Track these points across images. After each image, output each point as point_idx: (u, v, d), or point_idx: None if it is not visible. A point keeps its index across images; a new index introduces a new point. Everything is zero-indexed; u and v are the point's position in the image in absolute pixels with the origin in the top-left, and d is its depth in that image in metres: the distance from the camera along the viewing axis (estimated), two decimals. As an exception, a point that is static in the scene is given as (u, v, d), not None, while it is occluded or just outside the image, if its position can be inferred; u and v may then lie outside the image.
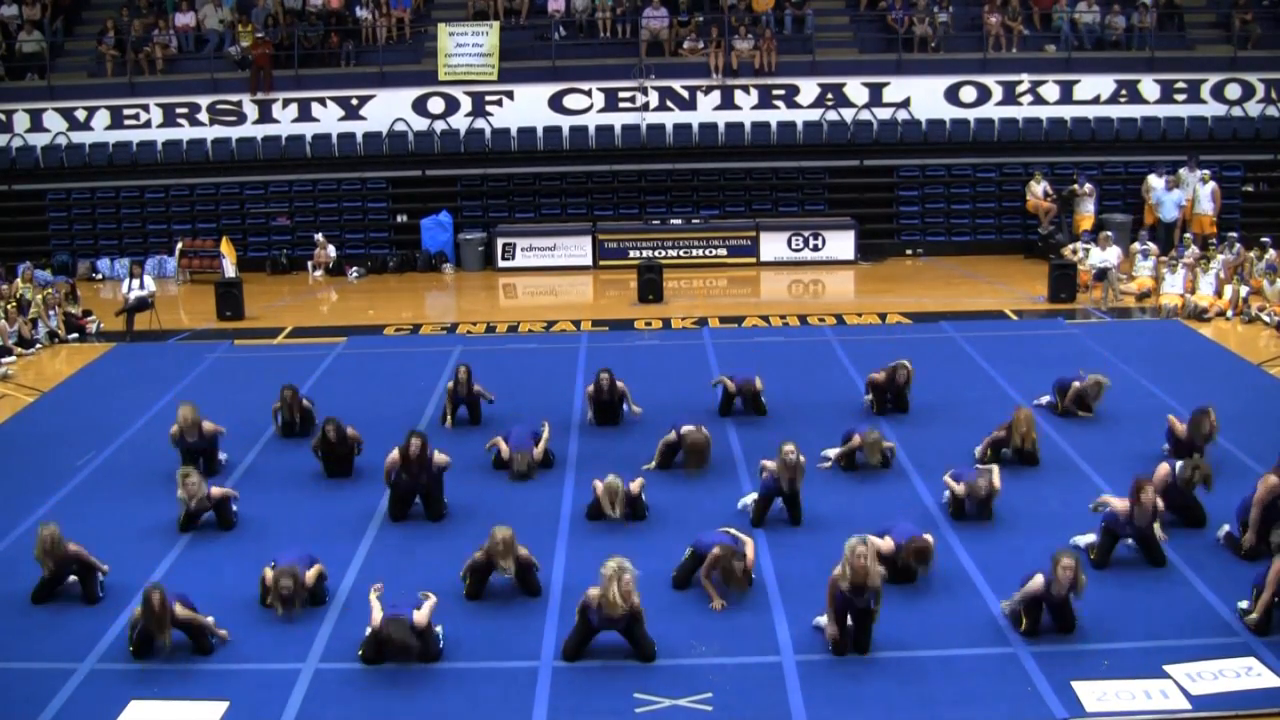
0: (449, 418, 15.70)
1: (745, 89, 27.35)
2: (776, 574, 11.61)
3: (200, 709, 9.55)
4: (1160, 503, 11.54)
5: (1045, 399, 16.04)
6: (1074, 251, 23.70)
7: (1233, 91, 27.11)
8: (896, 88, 27.20)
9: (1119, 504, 11.42)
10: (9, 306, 20.77)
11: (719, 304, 23.05)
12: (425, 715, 9.49)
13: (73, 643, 10.53)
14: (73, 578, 11.34)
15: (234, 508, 12.93)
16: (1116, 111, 27.16)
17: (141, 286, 21.97)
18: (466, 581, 11.18)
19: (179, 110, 27.41)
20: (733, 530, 11.49)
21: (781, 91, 27.34)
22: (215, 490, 12.78)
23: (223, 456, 14.53)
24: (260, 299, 23.59)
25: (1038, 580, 10.18)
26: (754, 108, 27.33)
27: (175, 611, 10.14)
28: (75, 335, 21.50)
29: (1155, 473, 12.12)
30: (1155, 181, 25.49)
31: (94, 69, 28.04)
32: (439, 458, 12.92)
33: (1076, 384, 15.57)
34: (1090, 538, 11.74)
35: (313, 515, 13.05)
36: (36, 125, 27.49)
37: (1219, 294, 21.56)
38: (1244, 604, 10.51)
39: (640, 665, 10.02)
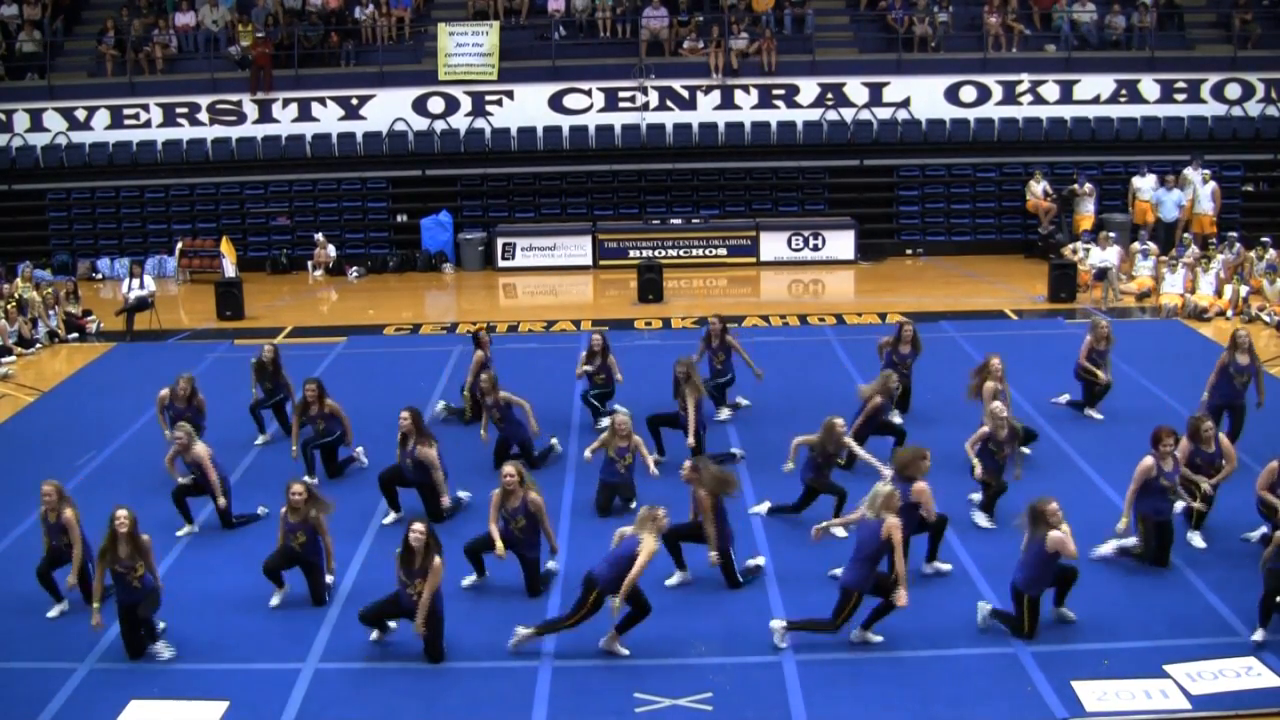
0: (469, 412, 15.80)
1: (745, 89, 27.35)
2: (777, 574, 11.61)
3: (200, 709, 9.56)
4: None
5: (1065, 398, 16.08)
6: (1074, 251, 23.70)
7: (1233, 91, 27.11)
8: (896, 87, 27.21)
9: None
10: (9, 306, 20.77)
11: (719, 304, 23.01)
12: (425, 715, 9.49)
13: (73, 643, 10.53)
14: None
15: (222, 502, 12.84)
16: (1116, 111, 27.17)
17: (141, 286, 21.98)
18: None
19: (179, 110, 27.42)
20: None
21: (781, 91, 27.34)
22: (201, 449, 12.79)
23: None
24: (260, 299, 23.59)
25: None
26: (754, 107, 27.34)
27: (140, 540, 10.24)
28: (75, 335, 21.50)
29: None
30: (1140, 182, 25.53)
31: (94, 69, 28.04)
32: (424, 451, 12.78)
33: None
34: (1110, 547, 11.73)
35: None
36: (36, 125, 27.50)
37: (1219, 294, 21.56)
38: (1259, 636, 10.22)
39: (640, 665, 10.02)
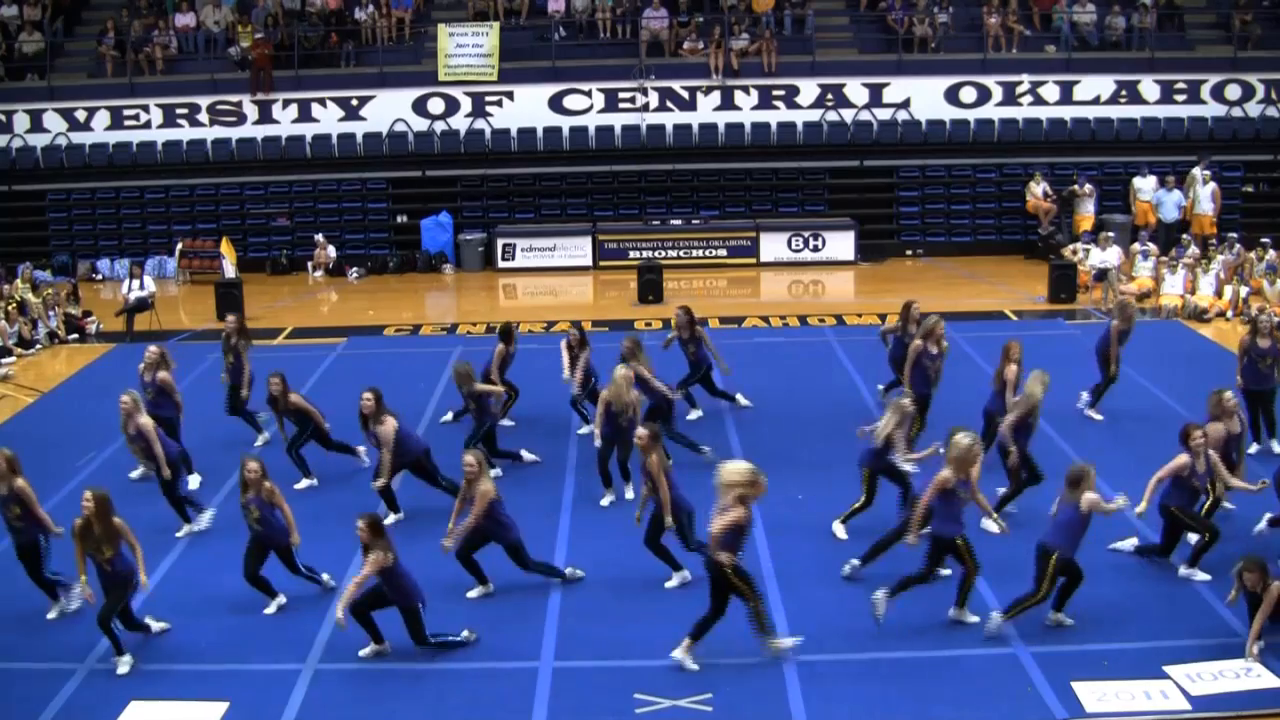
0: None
1: (745, 89, 27.35)
2: (777, 575, 11.61)
3: (200, 709, 9.55)
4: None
5: (1085, 397, 16.05)
6: (1074, 252, 23.71)
7: (1233, 92, 27.11)
8: (896, 88, 27.20)
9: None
10: (9, 307, 20.77)
11: (719, 304, 23.03)
12: (425, 715, 9.49)
13: (73, 643, 10.54)
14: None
15: (166, 472, 12.79)
16: (1116, 112, 27.17)
17: (141, 287, 21.98)
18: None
19: (179, 111, 27.42)
20: None
21: (781, 92, 27.34)
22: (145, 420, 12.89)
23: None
24: (260, 299, 23.58)
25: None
26: (754, 108, 27.34)
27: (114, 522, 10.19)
28: (75, 336, 21.50)
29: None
30: (1141, 183, 25.56)
31: (94, 69, 28.05)
32: (379, 429, 12.77)
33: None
34: (1130, 544, 11.76)
35: (313, 515, 13.01)
36: (36, 126, 27.50)
37: (1219, 294, 21.57)
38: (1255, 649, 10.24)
39: (640, 665, 10.02)
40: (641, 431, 11.44)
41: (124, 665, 10.13)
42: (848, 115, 27.19)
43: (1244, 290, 21.45)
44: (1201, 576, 11.30)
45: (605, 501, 13.44)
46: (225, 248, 24.23)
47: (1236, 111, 27.11)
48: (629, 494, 13.42)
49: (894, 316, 20.94)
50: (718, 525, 9.73)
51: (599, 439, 13.35)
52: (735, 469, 9.86)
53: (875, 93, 27.23)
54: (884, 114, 27.17)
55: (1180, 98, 27.16)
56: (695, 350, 15.90)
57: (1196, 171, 25.19)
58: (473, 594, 11.34)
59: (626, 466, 13.45)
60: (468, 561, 11.26)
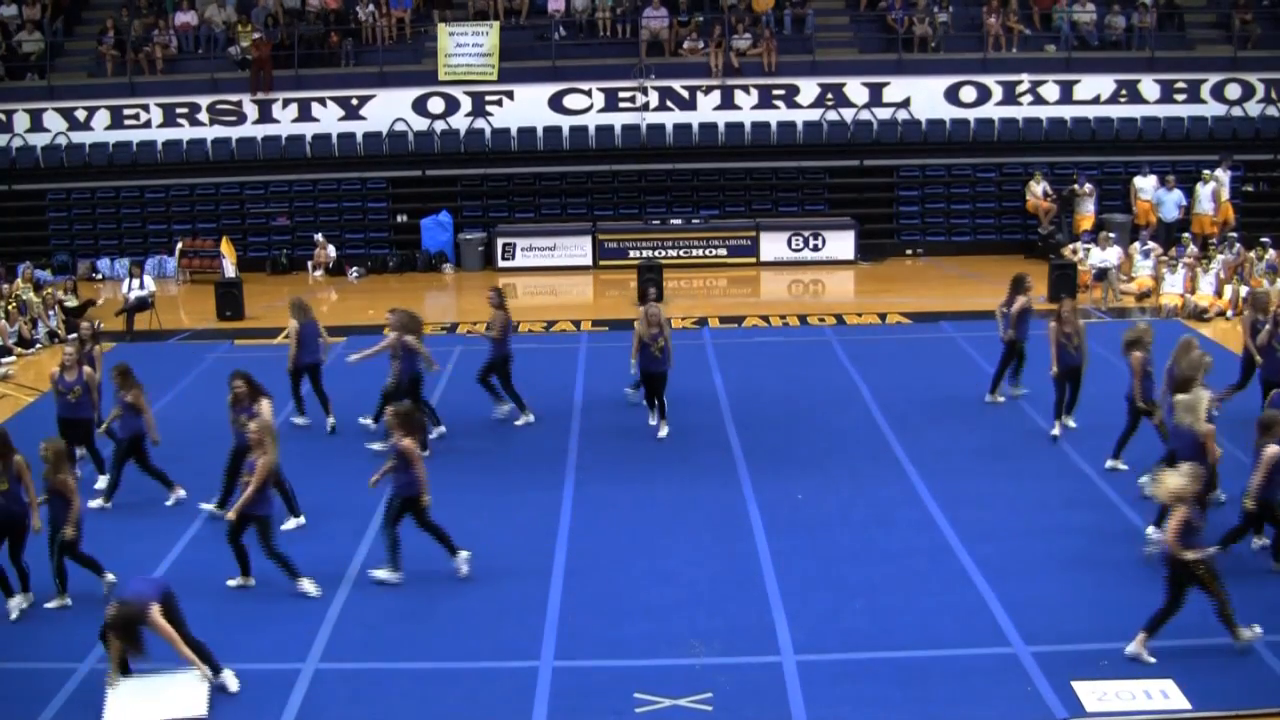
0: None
1: (745, 89, 27.36)
2: (777, 575, 11.61)
3: (179, 680, 9.60)
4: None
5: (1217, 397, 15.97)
6: (1074, 251, 23.71)
7: (1233, 91, 27.12)
8: (896, 88, 27.21)
9: None
10: (9, 306, 20.77)
11: (719, 304, 23.04)
12: (425, 715, 9.49)
13: (73, 643, 10.52)
14: None
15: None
16: (1116, 111, 27.17)
17: (141, 286, 21.97)
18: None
19: (179, 110, 27.42)
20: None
21: (781, 91, 27.34)
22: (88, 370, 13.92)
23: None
24: (260, 299, 23.57)
25: None
26: (754, 108, 27.34)
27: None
28: (75, 335, 21.46)
29: None
30: (1141, 182, 25.58)
31: (94, 69, 28.05)
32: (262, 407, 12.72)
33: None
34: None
35: (312, 515, 13.04)
36: (36, 125, 27.50)
37: (1219, 294, 21.56)
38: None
39: (640, 665, 10.02)
40: (390, 411, 11.65)
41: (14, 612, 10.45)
42: (848, 115, 27.19)
43: (1244, 290, 21.41)
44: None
45: (662, 434, 15.01)
46: (225, 247, 24.23)
47: (1236, 111, 27.12)
48: (662, 431, 14.97)
49: (894, 316, 20.99)
50: (1173, 529, 9.86)
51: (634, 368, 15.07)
52: (1176, 477, 10.06)
53: (875, 92, 27.23)
54: (884, 114, 27.18)
55: (1180, 97, 27.16)
56: (500, 336, 15.73)
57: (1222, 174, 25.17)
58: (232, 582, 11.46)
59: (661, 400, 14.98)
60: (238, 546, 11.33)
